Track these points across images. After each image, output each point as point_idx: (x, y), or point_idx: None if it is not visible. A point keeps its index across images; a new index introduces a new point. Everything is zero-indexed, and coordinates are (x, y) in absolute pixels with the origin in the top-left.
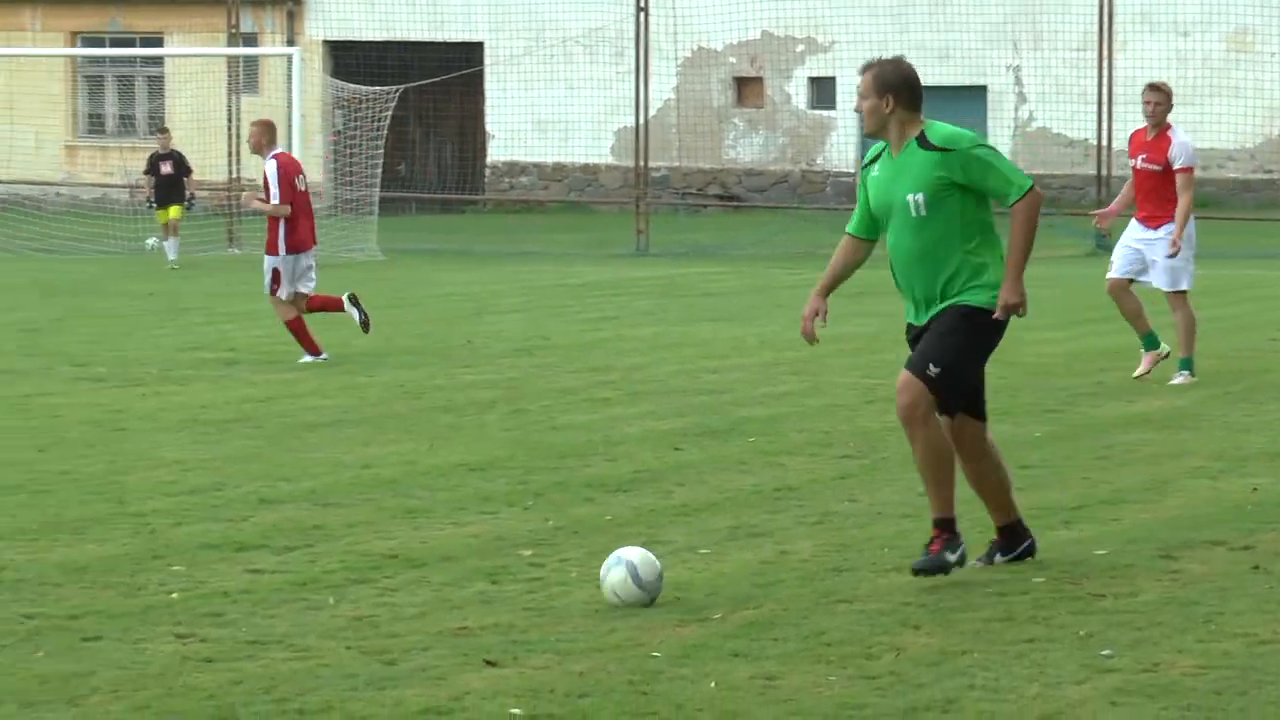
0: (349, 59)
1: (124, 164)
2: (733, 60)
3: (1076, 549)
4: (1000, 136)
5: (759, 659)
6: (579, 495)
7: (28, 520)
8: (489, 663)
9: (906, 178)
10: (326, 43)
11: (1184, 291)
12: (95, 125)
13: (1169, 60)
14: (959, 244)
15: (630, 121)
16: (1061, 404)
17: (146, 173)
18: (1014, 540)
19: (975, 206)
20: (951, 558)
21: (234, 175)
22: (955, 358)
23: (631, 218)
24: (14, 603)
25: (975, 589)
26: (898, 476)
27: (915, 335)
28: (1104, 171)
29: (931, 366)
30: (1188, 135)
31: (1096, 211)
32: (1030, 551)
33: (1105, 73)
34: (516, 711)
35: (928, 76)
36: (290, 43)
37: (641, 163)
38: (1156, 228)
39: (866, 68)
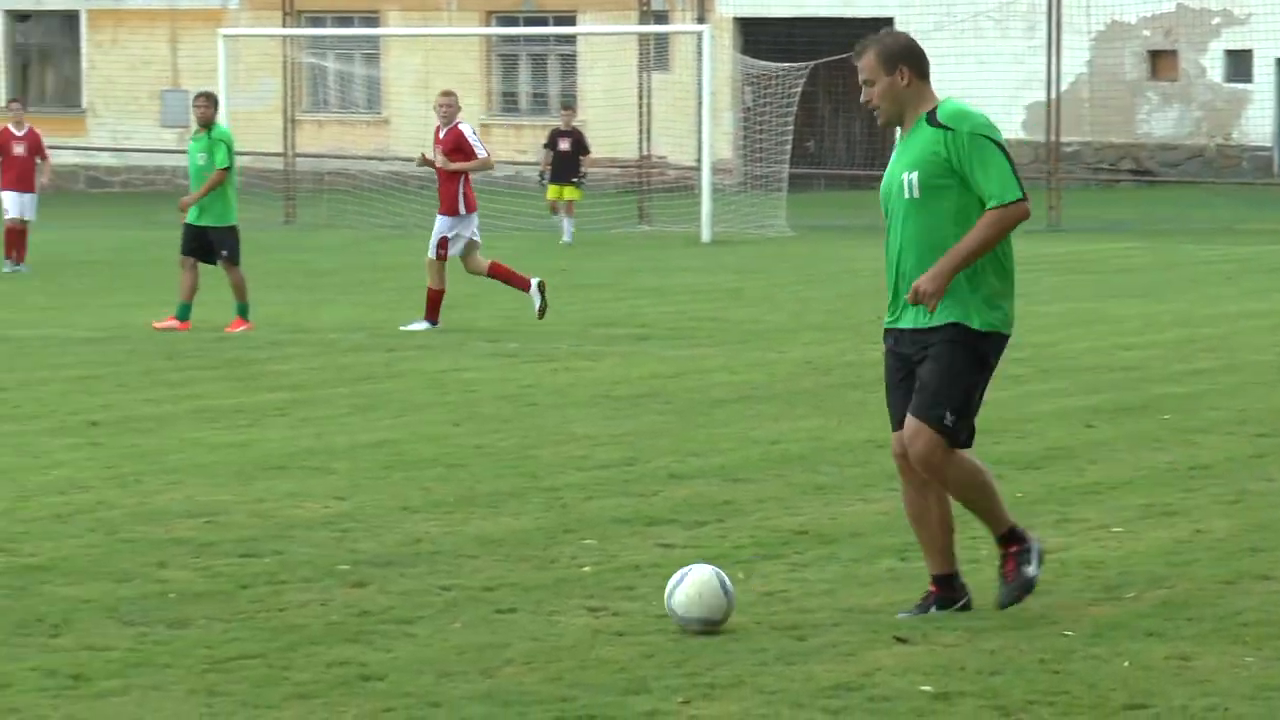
0: (759, 35)
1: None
2: (1146, 33)
3: None
4: None
5: (1173, 639)
6: None
7: (444, 494)
8: (899, 639)
9: (906, 156)
10: (737, 19)
11: None
12: (509, 104)
13: None
14: (954, 239)
15: (1041, 96)
16: None
17: (546, 146)
18: (951, 594)
19: (978, 204)
20: (1031, 570)
21: (644, 153)
22: (965, 400)
23: (1043, 193)
24: (430, 575)
25: None
26: None
27: (895, 341)
28: None
29: (948, 415)
30: None
31: None
32: (966, 607)
33: None
34: (927, 688)
35: None
36: (701, 20)
37: (1053, 138)
38: None
39: (861, 51)
